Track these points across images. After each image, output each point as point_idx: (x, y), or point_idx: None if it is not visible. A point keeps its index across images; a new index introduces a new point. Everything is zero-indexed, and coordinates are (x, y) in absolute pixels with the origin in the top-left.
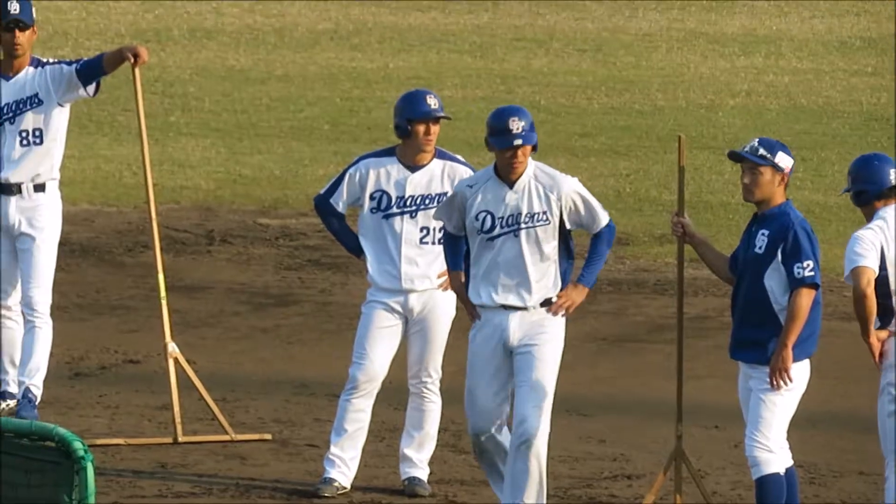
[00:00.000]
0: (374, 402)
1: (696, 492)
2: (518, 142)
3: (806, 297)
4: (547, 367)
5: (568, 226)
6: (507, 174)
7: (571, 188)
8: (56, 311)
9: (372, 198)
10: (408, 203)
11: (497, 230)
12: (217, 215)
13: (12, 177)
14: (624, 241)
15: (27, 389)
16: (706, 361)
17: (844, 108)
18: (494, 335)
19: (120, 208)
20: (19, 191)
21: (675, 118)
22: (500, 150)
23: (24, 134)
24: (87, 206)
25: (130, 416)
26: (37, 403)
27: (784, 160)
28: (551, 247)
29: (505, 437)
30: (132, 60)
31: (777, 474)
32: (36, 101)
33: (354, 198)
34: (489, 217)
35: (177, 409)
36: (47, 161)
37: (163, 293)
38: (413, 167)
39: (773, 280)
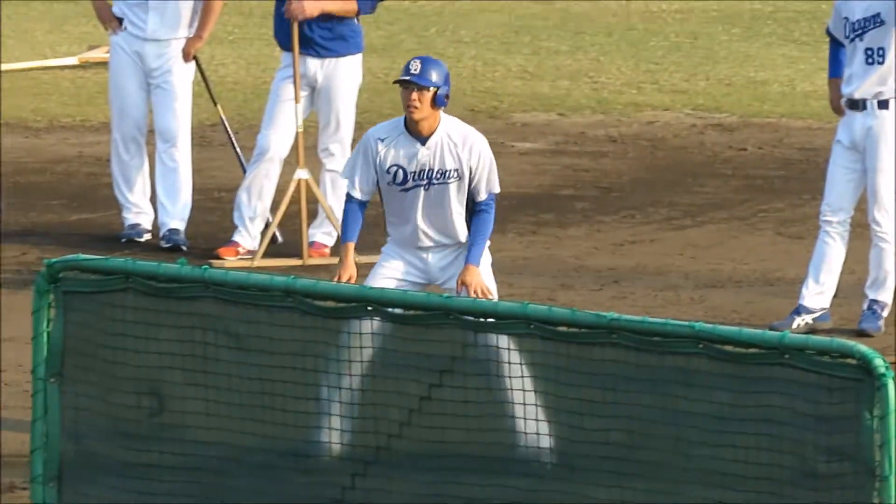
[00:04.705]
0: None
1: None
2: (405, 77)
3: None
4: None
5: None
6: (408, 119)
7: (483, 147)
8: None
9: None
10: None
11: (410, 183)
12: None
13: (856, 93)
14: None
15: (871, 302)
16: None
17: None
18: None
19: None
20: (864, 107)
21: None
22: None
23: (868, 52)
24: None
25: None
26: (882, 315)
27: None
28: (463, 196)
29: None
30: None
31: None
32: (878, 20)
33: None
34: (401, 171)
35: None
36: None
37: None
38: None
39: None
